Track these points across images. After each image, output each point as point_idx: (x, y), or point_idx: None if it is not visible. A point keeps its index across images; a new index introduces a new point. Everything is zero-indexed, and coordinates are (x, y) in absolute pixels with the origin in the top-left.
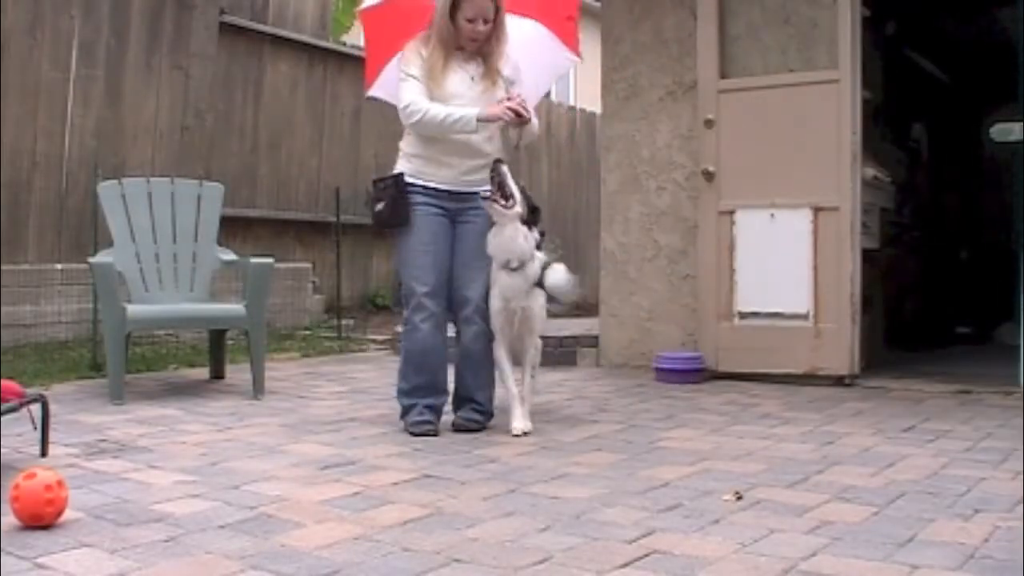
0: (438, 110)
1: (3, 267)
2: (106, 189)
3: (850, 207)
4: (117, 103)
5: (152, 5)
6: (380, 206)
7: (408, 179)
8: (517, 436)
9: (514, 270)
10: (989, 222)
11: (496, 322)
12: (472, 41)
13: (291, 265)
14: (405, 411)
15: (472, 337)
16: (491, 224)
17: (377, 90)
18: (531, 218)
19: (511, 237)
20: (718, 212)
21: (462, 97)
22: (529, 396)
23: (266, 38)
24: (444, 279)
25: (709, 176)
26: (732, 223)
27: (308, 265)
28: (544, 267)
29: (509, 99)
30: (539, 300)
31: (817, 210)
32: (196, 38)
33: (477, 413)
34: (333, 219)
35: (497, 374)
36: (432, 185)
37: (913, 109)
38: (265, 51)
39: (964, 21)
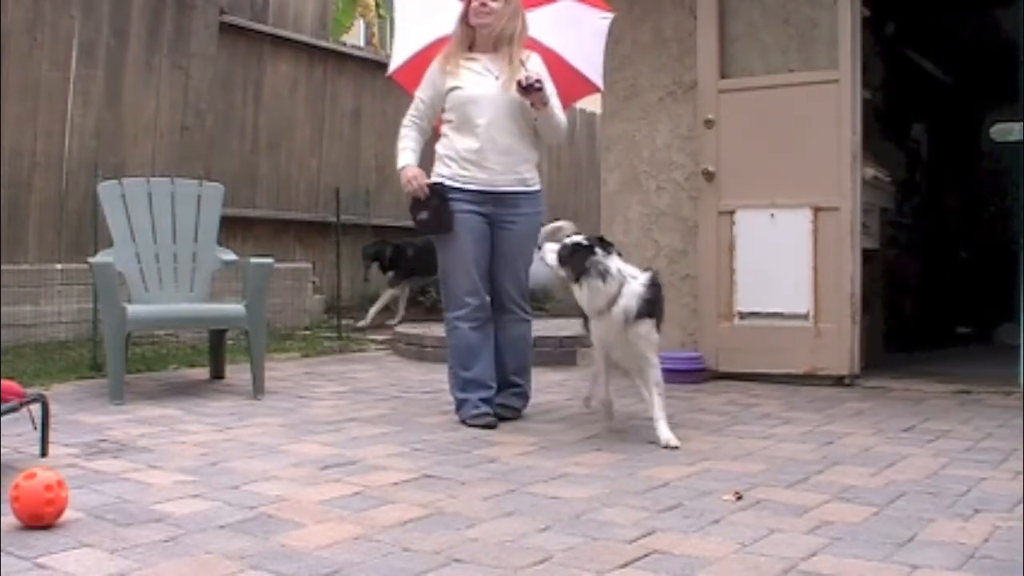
0: (400, 139)
1: (3, 267)
2: (106, 189)
3: (850, 207)
4: (117, 103)
5: (152, 5)
6: (424, 215)
7: (448, 183)
8: (670, 448)
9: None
10: (989, 222)
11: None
12: (482, 18)
13: (291, 265)
14: (460, 405)
15: (510, 324)
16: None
17: None
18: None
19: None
20: (718, 212)
21: (484, 92)
22: (657, 412)
23: (266, 38)
24: (485, 279)
25: (709, 176)
26: (732, 223)
27: (308, 265)
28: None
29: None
30: (638, 329)
31: (817, 210)
32: (196, 38)
33: (516, 397)
34: (333, 219)
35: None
36: (472, 188)
37: (913, 109)
38: (265, 51)
39: (964, 21)
